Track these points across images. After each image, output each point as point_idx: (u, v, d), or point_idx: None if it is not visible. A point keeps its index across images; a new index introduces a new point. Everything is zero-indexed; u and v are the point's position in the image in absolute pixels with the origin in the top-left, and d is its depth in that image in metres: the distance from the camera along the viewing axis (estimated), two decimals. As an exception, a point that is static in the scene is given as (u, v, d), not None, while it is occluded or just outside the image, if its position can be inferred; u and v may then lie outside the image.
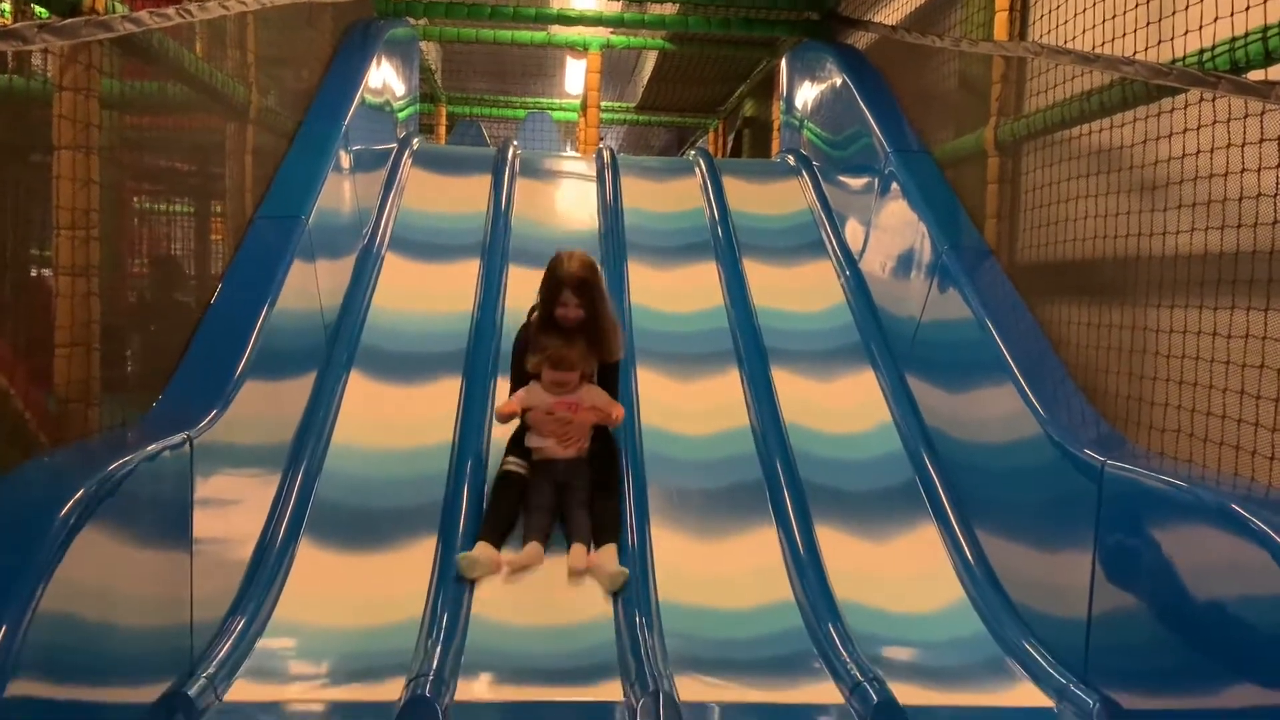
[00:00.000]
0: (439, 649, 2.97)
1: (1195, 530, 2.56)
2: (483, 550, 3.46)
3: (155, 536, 2.68)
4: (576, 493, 3.73)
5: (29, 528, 2.11)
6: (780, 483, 3.96)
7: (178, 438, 2.81)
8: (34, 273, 3.26)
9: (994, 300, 4.04)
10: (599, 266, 3.92)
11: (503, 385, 4.29)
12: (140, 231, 4.13)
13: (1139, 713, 2.72)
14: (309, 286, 4.30)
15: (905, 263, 4.79)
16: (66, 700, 2.13)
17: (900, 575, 3.66)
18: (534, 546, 3.54)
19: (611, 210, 5.80)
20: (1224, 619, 2.41)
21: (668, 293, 5.18)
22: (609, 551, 3.53)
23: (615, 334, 3.94)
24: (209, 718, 2.66)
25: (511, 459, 3.79)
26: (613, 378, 4.01)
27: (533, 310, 3.98)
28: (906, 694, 2.88)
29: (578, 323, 3.81)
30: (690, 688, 2.92)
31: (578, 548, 3.55)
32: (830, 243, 5.60)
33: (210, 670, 2.82)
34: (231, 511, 3.34)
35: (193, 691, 2.68)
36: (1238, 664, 2.35)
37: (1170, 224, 3.32)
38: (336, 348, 4.53)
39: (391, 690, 2.79)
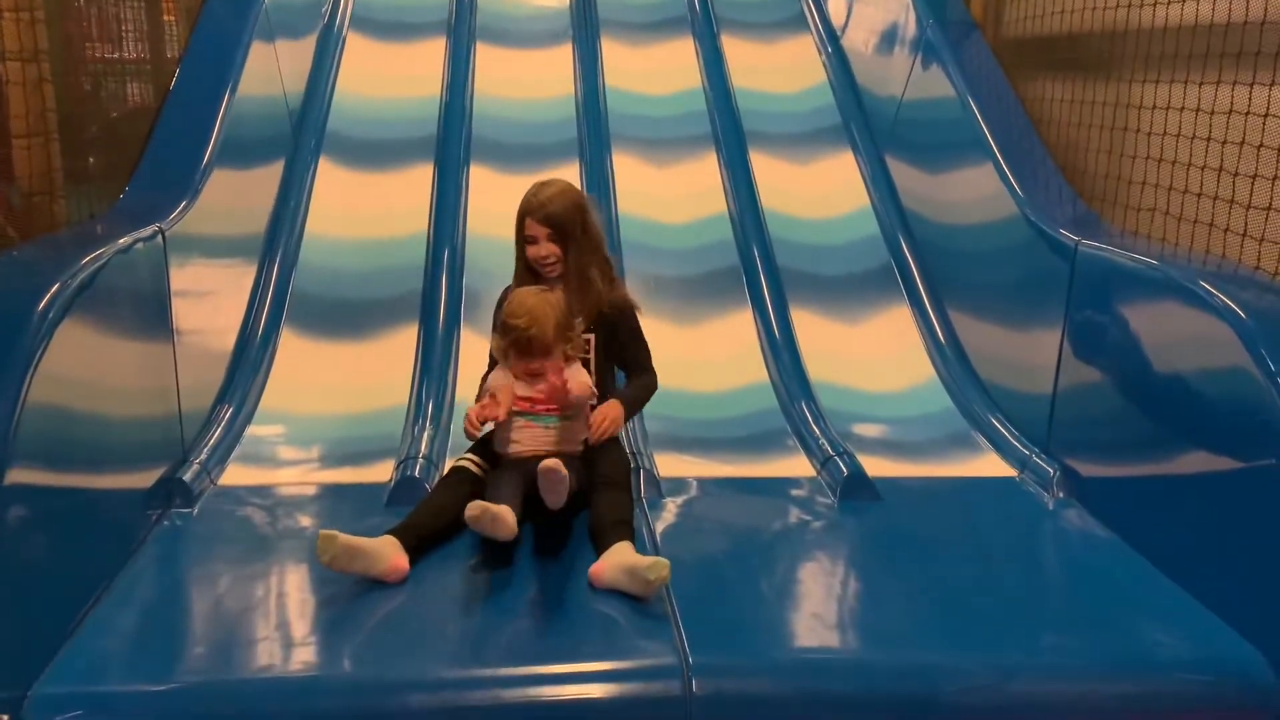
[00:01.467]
0: (426, 433, 3.05)
1: (1163, 307, 2.61)
2: (382, 544, 2.36)
3: (135, 328, 2.68)
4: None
5: (8, 323, 2.11)
6: (757, 269, 3.98)
7: (149, 229, 2.77)
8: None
9: (977, 77, 3.95)
10: (587, 200, 2.89)
11: (477, 180, 4.20)
12: (87, 12, 3.93)
13: (1096, 479, 2.86)
14: (270, 70, 4.14)
15: (889, 38, 4.64)
16: (65, 487, 2.19)
17: (873, 355, 3.75)
18: (503, 509, 2.32)
19: (583, -17, 5.54)
20: (1184, 392, 2.50)
21: (643, 73, 5.02)
22: (625, 549, 2.41)
23: (603, 283, 2.85)
24: (204, 501, 2.76)
25: (468, 455, 2.67)
26: (629, 345, 2.90)
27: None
28: (876, 466, 3.01)
29: (558, 268, 2.81)
30: (670, 464, 3.03)
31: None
32: (812, 17, 5.39)
33: (202, 457, 2.90)
34: (210, 302, 3.34)
35: (187, 477, 2.76)
36: (1192, 433, 2.46)
37: (1162, -6, 3.21)
38: (303, 134, 4.41)
39: (381, 473, 2.89)
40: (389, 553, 2.34)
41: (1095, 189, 3.49)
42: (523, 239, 2.81)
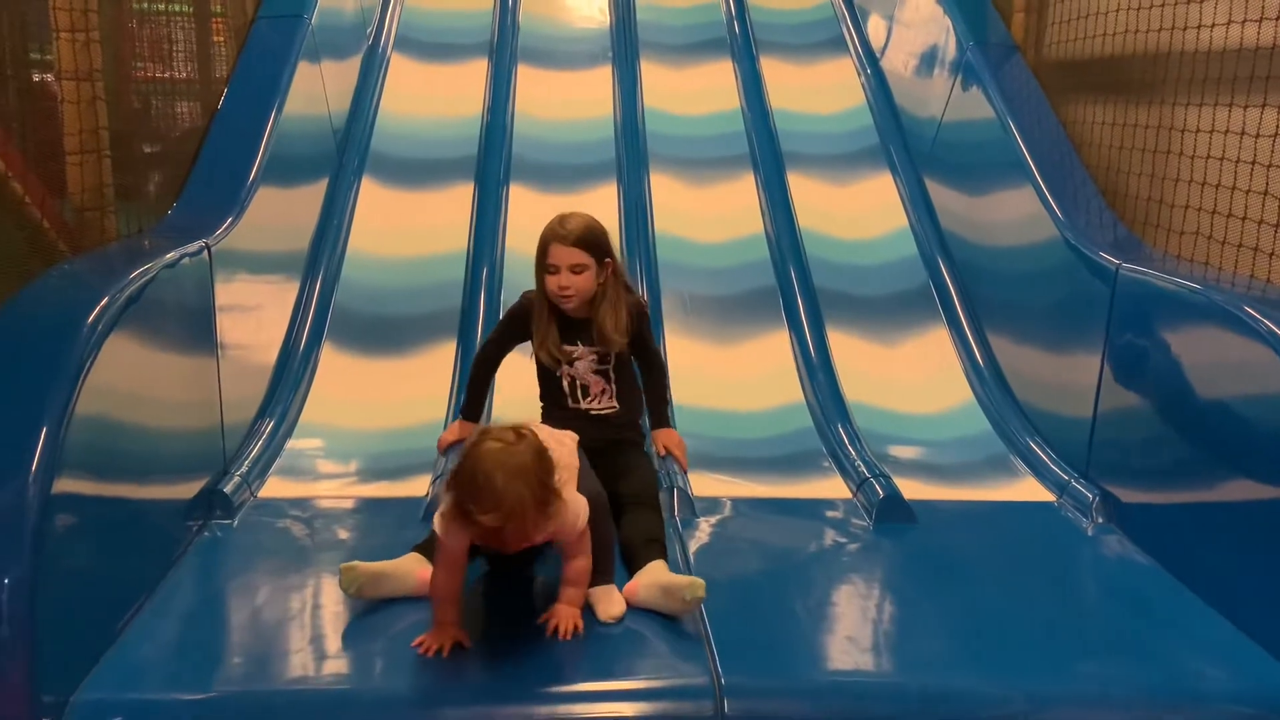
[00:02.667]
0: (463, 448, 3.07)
1: (1205, 331, 2.58)
2: (405, 563, 2.37)
3: (181, 341, 2.74)
4: None
5: (58, 335, 2.16)
6: (794, 289, 3.98)
7: (195, 245, 2.82)
8: (37, 78, 3.20)
9: (1018, 99, 3.94)
10: (605, 233, 2.84)
11: (517, 199, 4.24)
12: (140, 33, 4.02)
13: (1136, 505, 2.82)
14: (315, 90, 4.21)
15: (928, 60, 4.64)
16: (111, 497, 2.24)
17: (910, 377, 3.73)
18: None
19: (623, 3, 5.59)
20: (1226, 417, 2.46)
21: (682, 94, 5.05)
22: (660, 568, 2.41)
23: (621, 312, 2.81)
24: (244, 513, 2.80)
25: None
26: (648, 338, 2.97)
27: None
28: (912, 489, 3.00)
29: (574, 301, 2.78)
30: (704, 484, 3.03)
31: (602, 591, 2.33)
32: (851, 39, 5.41)
33: (243, 469, 2.94)
34: (254, 317, 3.40)
35: (228, 488, 2.80)
36: (1235, 459, 2.42)
37: (1205, 16, 3.19)
38: (347, 153, 4.49)
39: (418, 487, 2.92)
40: (414, 569, 2.34)
41: (1137, 212, 3.46)
42: (544, 269, 2.78)
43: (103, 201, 2.96)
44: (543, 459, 2.07)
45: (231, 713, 1.99)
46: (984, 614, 2.40)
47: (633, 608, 2.32)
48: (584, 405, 2.87)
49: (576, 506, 2.20)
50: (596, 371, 2.86)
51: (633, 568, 2.43)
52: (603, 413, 2.86)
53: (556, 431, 2.40)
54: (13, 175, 2.66)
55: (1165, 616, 2.42)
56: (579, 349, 2.84)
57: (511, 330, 2.95)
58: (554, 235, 2.77)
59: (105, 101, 2.97)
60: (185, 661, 2.11)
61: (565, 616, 2.21)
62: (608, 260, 2.81)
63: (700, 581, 2.25)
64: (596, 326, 2.81)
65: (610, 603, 2.30)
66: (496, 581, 2.43)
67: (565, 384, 2.87)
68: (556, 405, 2.89)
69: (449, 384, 3.51)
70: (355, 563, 2.30)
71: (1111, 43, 3.72)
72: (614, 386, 2.88)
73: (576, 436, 2.48)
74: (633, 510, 2.58)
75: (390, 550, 2.45)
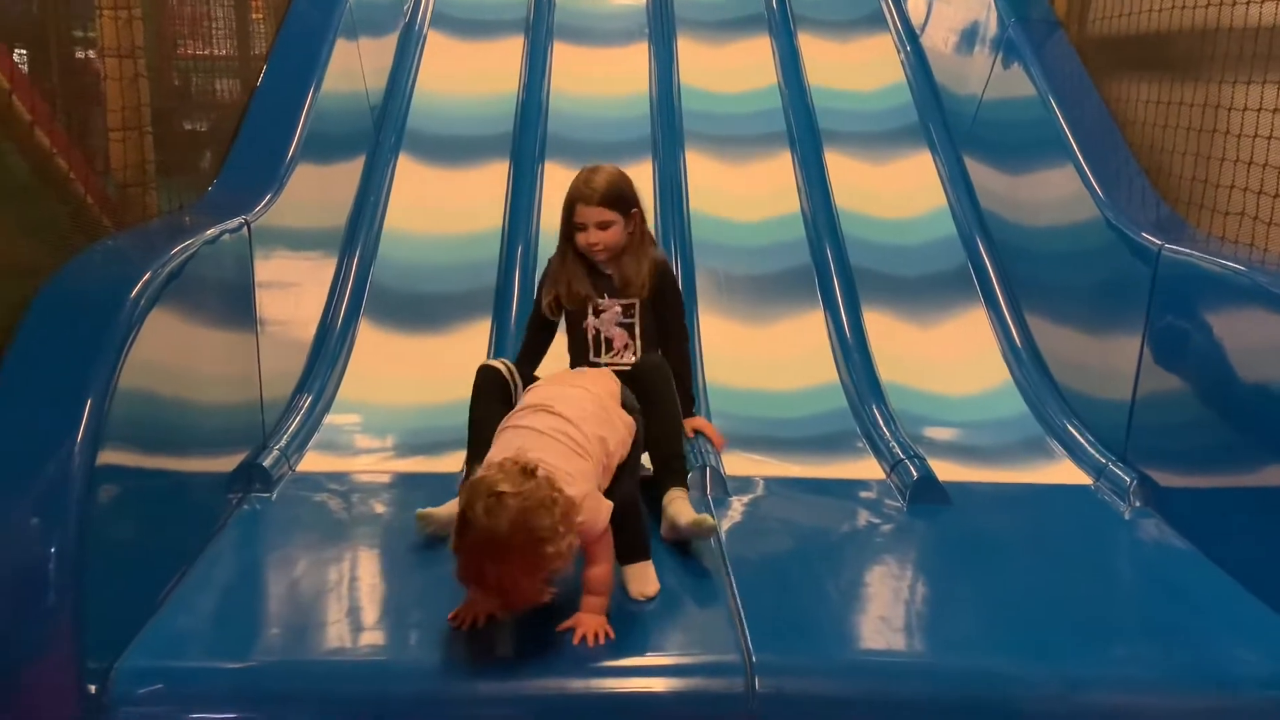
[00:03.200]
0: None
1: (1249, 314, 2.54)
2: None
3: (221, 317, 2.77)
4: None
5: (102, 310, 2.19)
6: (830, 269, 3.96)
7: (235, 221, 2.85)
8: (80, 55, 3.24)
9: (1060, 77, 3.88)
10: (630, 183, 2.90)
11: (552, 177, 4.24)
12: (180, 11, 4.05)
13: (1174, 490, 2.79)
14: (353, 67, 4.23)
15: (969, 37, 4.57)
16: (153, 469, 2.28)
17: (947, 358, 3.70)
18: None
19: (660, -19, 5.56)
20: (1269, 401, 2.43)
21: (718, 71, 5.02)
22: (675, 499, 2.57)
23: (644, 260, 2.88)
24: (282, 486, 2.83)
25: (494, 361, 2.79)
26: (675, 306, 3.00)
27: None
28: (947, 471, 2.98)
29: (605, 254, 2.85)
30: (737, 463, 3.03)
31: (638, 568, 2.35)
32: (890, 14, 5.34)
33: (282, 443, 2.98)
34: (292, 293, 3.43)
35: (267, 462, 2.84)
36: (1277, 444, 2.39)
37: (1255, -9, 3.12)
38: (383, 130, 4.51)
39: (453, 463, 2.94)
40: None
41: (1180, 192, 3.40)
42: (571, 227, 2.85)
43: (144, 178, 2.99)
44: (538, 512, 1.95)
45: (270, 681, 2.02)
46: (1018, 596, 2.39)
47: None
48: (605, 360, 2.90)
49: (595, 511, 2.14)
50: (621, 324, 2.91)
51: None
52: (624, 369, 2.83)
53: (587, 405, 2.35)
54: (57, 151, 2.69)
55: (1202, 601, 2.39)
56: (605, 300, 2.90)
57: (533, 327, 3.03)
58: (579, 195, 2.83)
59: (147, 79, 3.00)
60: (225, 631, 2.15)
61: (590, 625, 2.13)
62: (634, 211, 2.87)
63: (709, 520, 2.41)
64: (619, 272, 2.87)
65: (644, 581, 2.30)
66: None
67: (590, 336, 2.91)
68: (580, 358, 2.95)
69: (484, 361, 3.52)
70: (428, 511, 2.48)
71: (1157, 18, 3.65)
72: (637, 342, 2.91)
73: (616, 384, 2.54)
74: (652, 422, 2.60)
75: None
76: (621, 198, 2.84)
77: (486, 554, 1.94)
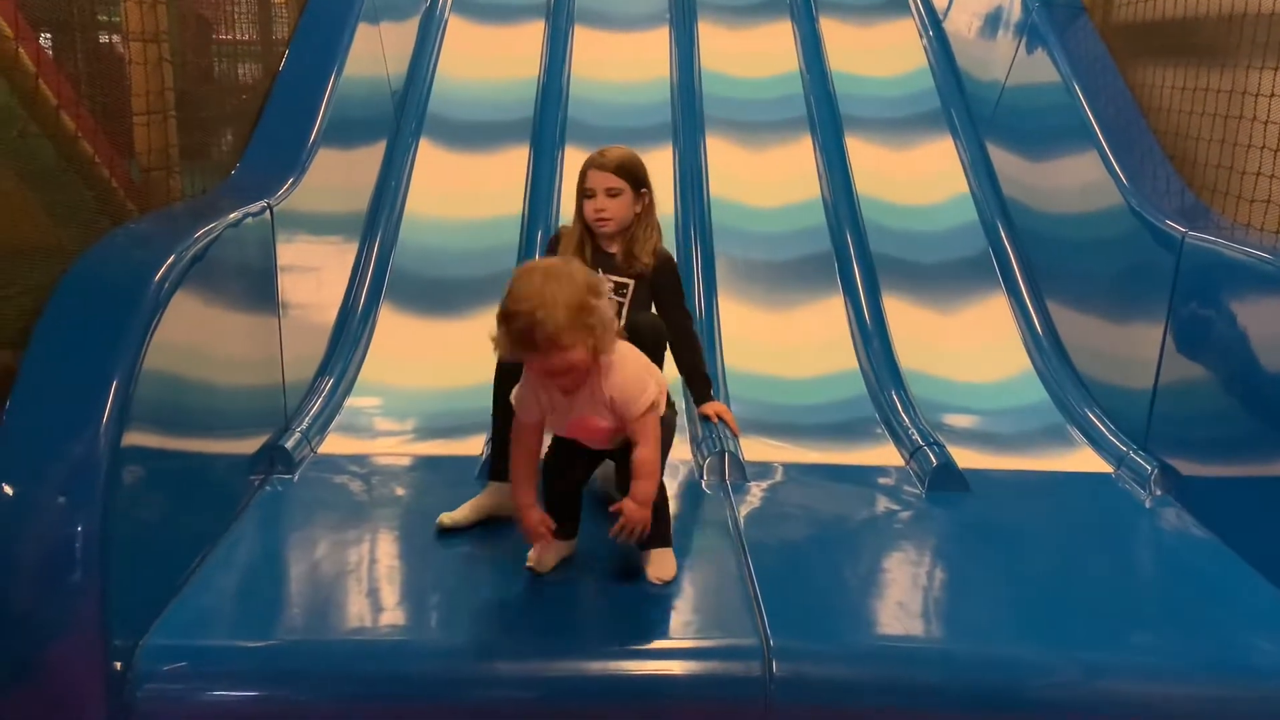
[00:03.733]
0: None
1: (1274, 302, 2.52)
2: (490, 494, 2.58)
3: (244, 300, 2.79)
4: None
5: (127, 292, 2.21)
6: (850, 255, 3.95)
7: (258, 205, 2.87)
8: (105, 40, 3.26)
9: (1084, 62, 3.85)
10: (643, 166, 2.86)
11: (572, 162, 4.23)
12: (202, -4, 4.07)
13: (1196, 479, 2.78)
14: (375, 52, 4.24)
15: (993, 22, 4.54)
16: (177, 450, 2.30)
17: (967, 345, 3.69)
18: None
19: (682, -34, 5.54)
20: (1293, 390, 2.41)
21: (739, 56, 5.00)
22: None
23: (651, 240, 2.86)
24: (304, 468, 2.86)
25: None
26: (677, 293, 2.92)
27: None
28: (966, 458, 2.97)
29: (612, 225, 2.82)
30: (756, 448, 3.04)
31: (657, 553, 2.35)
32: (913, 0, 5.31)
33: (304, 425, 3.00)
34: (314, 277, 3.45)
35: (289, 444, 2.86)
36: (1301, 434, 2.37)
37: (1285, -24, 3.09)
38: (404, 116, 4.52)
39: (474, 446, 2.95)
40: (493, 496, 2.54)
41: (1205, 179, 3.37)
42: (582, 194, 2.84)
43: (168, 162, 3.02)
44: (590, 279, 2.10)
45: (291, 660, 2.05)
46: (1037, 583, 2.39)
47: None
48: None
49: (640, 376, 2.17)
50: (613, 300, 2.74)
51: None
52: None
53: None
54: (83, 135, 2.71)
55: (1222, 590, 2.38)
56: (599, 274, 2.72)
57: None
58: (592, 162, 2.84)
59: (171, 63, 3.02)
60: (247, 610, 2.18)
61: (634, 518, 2.16)
62: (644, 190, 2.85)
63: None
64: (624, 246, 2.84)
65: (662, 567, 2.31)
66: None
67: None
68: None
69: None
70: (449, 517, 2.50)
71: (1183, 4, 3.61)
72: (622, 317, 2.79)
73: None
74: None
75: (446, 504, 2.53)
76: (634, 172, 2.83)
77: (536, 268, 2.09)
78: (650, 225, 2.89)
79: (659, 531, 2.32)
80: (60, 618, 1.89)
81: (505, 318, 2.05)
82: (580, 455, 2.34)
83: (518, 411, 2.25)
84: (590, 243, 2.87)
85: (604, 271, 2.82)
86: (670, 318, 2.88)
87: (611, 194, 2.80)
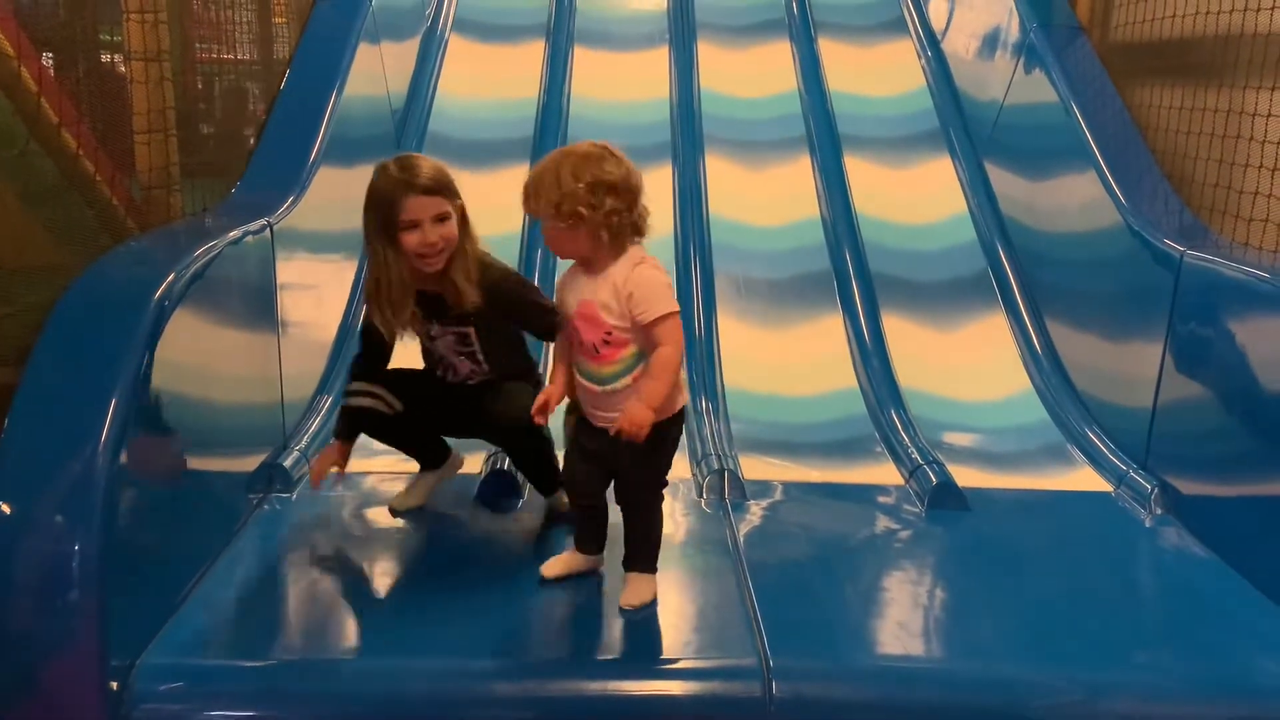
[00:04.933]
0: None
1: (1272, 321, 2.53)
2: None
3: (244, 318, 2.79)
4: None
5: (127, 310, 2.21)
6: (849, 273, 3.95)
7: (258, 223, 2.87)
8: (107, 58, 3.28)
9: (1082, 82, 3.87)
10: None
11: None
12: (204, 15, 4.09)
13: (1196, 498, 2.77)
14: (375, 71, 4.26)
15: (990, 42, 4.56)
16: (176, 468, 2.30)
17: (966, 364, 3.69)
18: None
19: (680, -16, 5.57)
20: (1292, 409, 2.41)
21: (739, 76, 5.02)
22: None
23: (470, 259, 2.40)
24: (302, 487, 2.84)
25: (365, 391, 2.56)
26: (532, 306, 2.47)
27: None
28: (966, 477, 2.97)
29: (443, 259, 2.36)
30: (754, 467, 3.03)
31: (636, 577, 2.29)
32: (911, 20, 5.33)
33: (302, 444, 3.00)
34: (313, 295, 3.46)
35: (287, 463, 2.85)
36: (1301, 453, 2.37)
37: (1280, -3, 3.10)
38: (405, 134, 4.53)
39: (471, 465, 2.93)
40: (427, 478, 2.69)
41: (1204, 198, 3.38)
42: (394, 231, 2.29)
43: (169, 180, 3.02)
44: (621, 166, 2.12)
45: (289, 680, 2.04)
46: (1038, 603, 2.38)
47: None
48: (451, 381, 2.57)
49: (667, 292, 2.12)
50: (461, 353, 2.48)
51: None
52: (478, 383, 2.55)
53: None
54: (84, 153, 2.72)
55: (1223, 609, 2.38)
56: (435, 327, 2.45)
57: (370, 344, 2.54)
58: (404, 186, 2.28)
59: (172, 82, 3.03)
60: (245, 629, 2.16)
61: (635, 415, 2.06)
62: (459, 201, 2.40)
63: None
64: (446, 288, 2.35)
65: (635, 592, 2.23)
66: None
67: (436, 359, 2.55)
68: (431, 370, 2.59)
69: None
70: (398, 498, 2.65)
71: (1180, 24, 3.63)
72: (485, 364, 2.51)
73: None
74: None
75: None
76: (449, 184, 2.35)
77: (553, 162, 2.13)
78: (470, 239, 2.40)
79: (644, 553, 2.27)
80: (57, 636, 1.88)
81: (533, 193, 2.16)
82: (593, 471, 2.27)
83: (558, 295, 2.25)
84: (409, 279, 2.35)
85: (440, 324, 2.43)
86: (543, 329, 2.46)
87: (441, 219, 2.32)
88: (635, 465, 2.22)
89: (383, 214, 2.31)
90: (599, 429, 2.21)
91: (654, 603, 2.25)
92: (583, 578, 2.36)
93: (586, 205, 2.08)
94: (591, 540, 2.35)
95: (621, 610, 2.21)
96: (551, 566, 2.32)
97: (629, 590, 2.25)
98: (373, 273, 2.38)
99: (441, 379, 2.58)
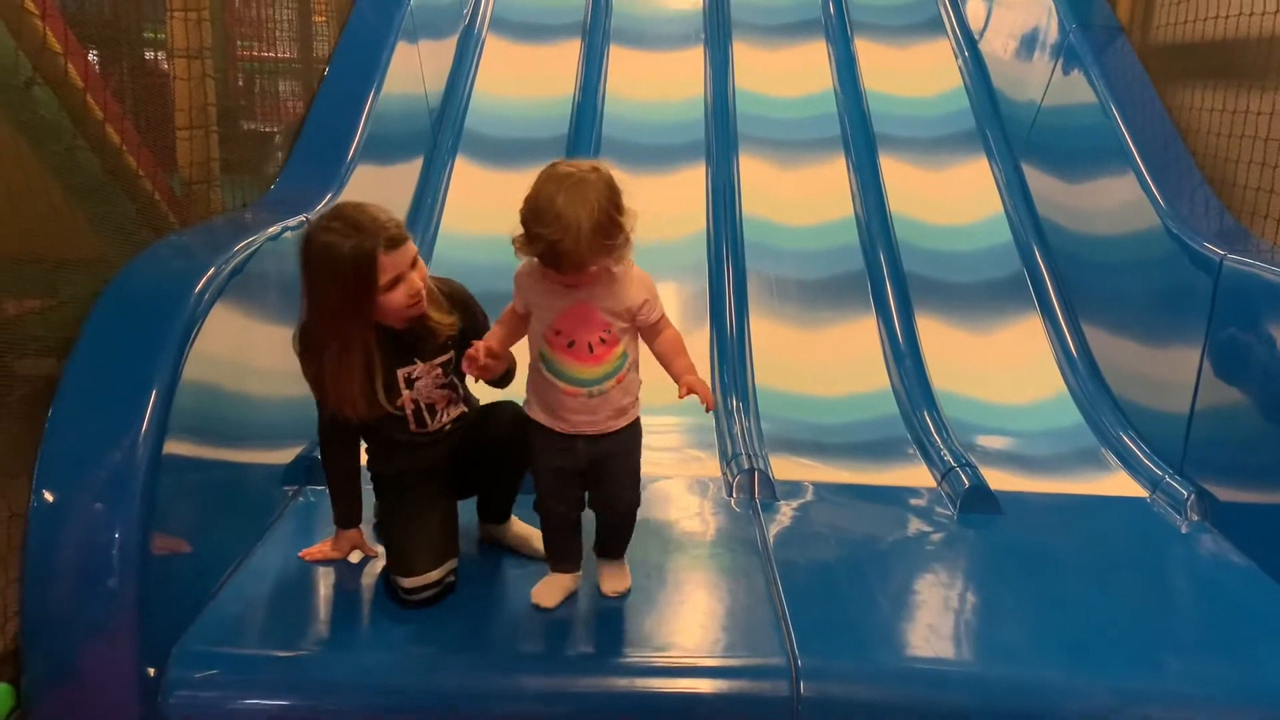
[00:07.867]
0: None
1: (1314, 327, 2.49)
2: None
3: (282, 312, 2.81)
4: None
5: (168, 304, 2.25)
6: (883, 274, 3.94)
7: (297, 219, 2.91)
8: (150, 56, 3.32)
9: (1122, 84, 3.83)
10: None
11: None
12: (246, 13, 4.14)
13: (1233, 504, 2.74)
14: (413, 69, 4.29)
15: (1029, 43, 4.53)
16: (213, 460, 2.33)
17: (1001, 366, 3.67)
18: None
19: (717, -16, 5.57)
20: (1333, 416, 2.38)
21: (774, 76, 5.01)
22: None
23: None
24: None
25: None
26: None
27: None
28: (999, 480, 2.95)
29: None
30: (785, 467, 3.03)
31: (611, 565, 2.35)
32: (949, 20, 5.30)
33: (337, 438, 3.02)
34: (349, 292, 3.48)
35: (322, 456, 2.88)
36: (1342, 460, 2.34)
37: (1327, -2, 3.06)
38: (441, 132, 4.56)
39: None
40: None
41: (1245, 202, 3.34)
42: (373, 292, 2.13)
43: (209, 175, 3.07)
44: (613, 190, 2.06)
45: (322, 670, 2.06)
46: (1070, 608, 2.36)
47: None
48: (431, 427, 2.35)
49: (647, 289, 2.16)
50: (442, 386, 2.34)
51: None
52: (452, 425, 2.40)
53: None
54: (127, 149, 2.77)
55: (1260, 617, 2.35)
56: (417, 367, 2.29)
57: (337, 426, 2.33)
58: (382, 242, 2.14)
59: (214, 79, 3.07)
60: (279, 619, 2.20)
61: (695, 385, 2.14)
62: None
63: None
64: (425, 317, 2.25)
65: (619, 580, 2.30)
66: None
67: (409, 411, 2.32)
68: (394, 443, 2.35)
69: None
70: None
71: (1223, 25, 3.58)
72: (461, 389, 2.41)
73: None
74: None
75: (473, 514, 2.55)
76: (399, 220, 2.25)
77: (561, 188, 2.02)
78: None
79: (623, 542, 2.32)
80: (96, 622, 1.92)
81: (528, 235, 2.06)
82: (569, 481, 2.26)
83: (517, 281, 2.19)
84: (379, 350, 2.20)
85: (423, 361, 2.30)
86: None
87: (414, 261, 2.22)
88: (620, 465, 2.25)
89: (357, 284, 2.11)
90: (569, 443, 2.20)
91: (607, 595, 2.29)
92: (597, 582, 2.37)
93: (620, 229, 2.07)
94: (573, 557, 2.31)
95: (605, 597, 2.27)
96: (550, 597, 2.25)
97: (614, 577, 2.31)
98: (329, 378, 2.19)
99: (413, 439, 2.35)
